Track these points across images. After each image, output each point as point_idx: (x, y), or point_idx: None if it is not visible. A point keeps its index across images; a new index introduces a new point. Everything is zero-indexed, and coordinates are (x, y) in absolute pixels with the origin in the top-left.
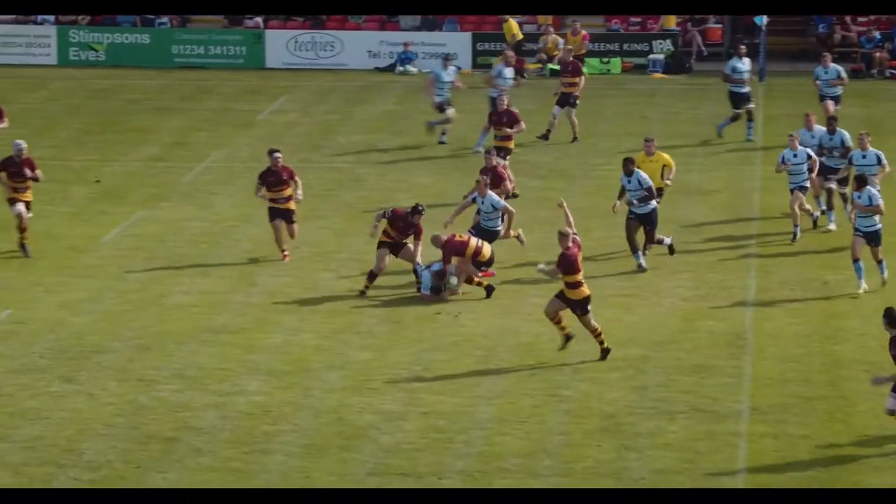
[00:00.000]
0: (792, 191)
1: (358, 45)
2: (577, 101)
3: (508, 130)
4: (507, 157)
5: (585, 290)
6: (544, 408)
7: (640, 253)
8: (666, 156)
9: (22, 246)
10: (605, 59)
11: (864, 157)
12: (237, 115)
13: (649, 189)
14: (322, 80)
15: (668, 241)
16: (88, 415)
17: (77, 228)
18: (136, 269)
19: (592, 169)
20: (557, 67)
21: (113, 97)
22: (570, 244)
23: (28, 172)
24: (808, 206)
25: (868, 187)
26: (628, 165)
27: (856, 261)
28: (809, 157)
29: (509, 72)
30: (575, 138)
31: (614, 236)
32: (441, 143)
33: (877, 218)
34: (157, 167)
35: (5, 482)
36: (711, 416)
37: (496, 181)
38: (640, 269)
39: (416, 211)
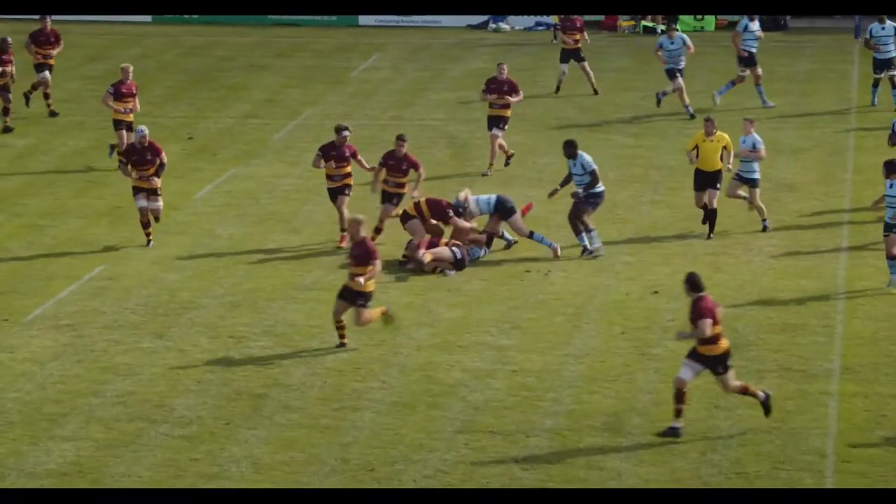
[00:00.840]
0: None
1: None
2: (584, 55)
3: (510, 99)
4: (504, 127)
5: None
6: (633, 366)
7: (583, 235)
8: (726, 136)
9: (147, 240)
10: (699, 17)
11: None
12: (330, 73)
13: (593, 173)
14: (414, 37)
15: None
16: (179, 371)
17: (170, 185)
18: (228, 225)
19: (685, 127)
20: (651, 24)
21: (206, 54)
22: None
23: (151, 158)
24: None
25: None
26: (569, 148)
27: None
28: None
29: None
30: (595, 91)
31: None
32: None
33: None
34: (249, 124)
35: (97, 437)
36: (801, 375)
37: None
38: (586, 252)
39: (398, 138)
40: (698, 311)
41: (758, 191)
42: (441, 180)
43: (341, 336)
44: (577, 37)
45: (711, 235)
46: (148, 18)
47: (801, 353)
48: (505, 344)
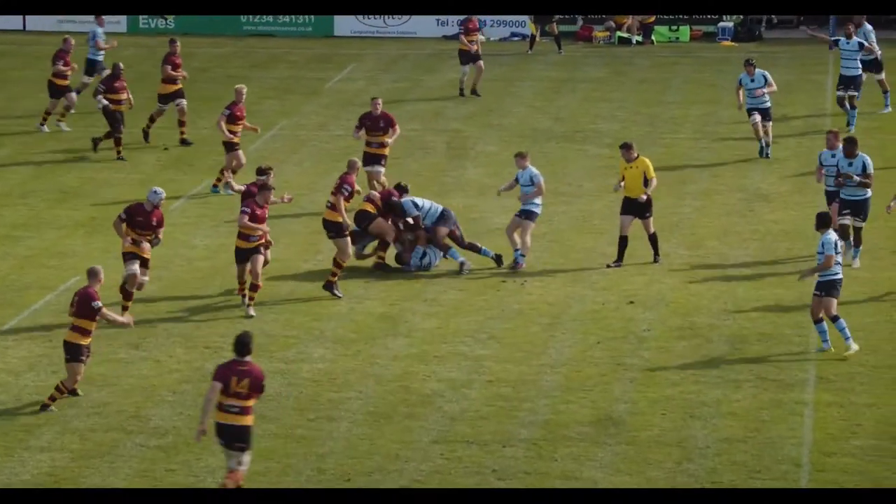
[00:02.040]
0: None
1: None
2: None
3: (386, 139)
4: (384, 163)
5: None
6: (609, 376)
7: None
8: (647, 161)
9: (124, 309)
10: (674, 27)
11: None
12: (305, 84)
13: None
14: (390, 48)
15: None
16: (155, 381)
17: (145, 196)
18: (203, 236)
19: (660, 137)
20: (626, 35)
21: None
22: None
23: (155, 226)
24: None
25: None
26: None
27: None
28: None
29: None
30: (474, 92)
31: (682, 207)
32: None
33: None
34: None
35: (73, 447)
36: (777, 384)
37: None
38: (499, 261)
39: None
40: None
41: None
42: (416, 191)
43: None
44: (474, 38)
45: (658, 258)
46: (123, 28)
47: (777, 363)
48: (481, 354)
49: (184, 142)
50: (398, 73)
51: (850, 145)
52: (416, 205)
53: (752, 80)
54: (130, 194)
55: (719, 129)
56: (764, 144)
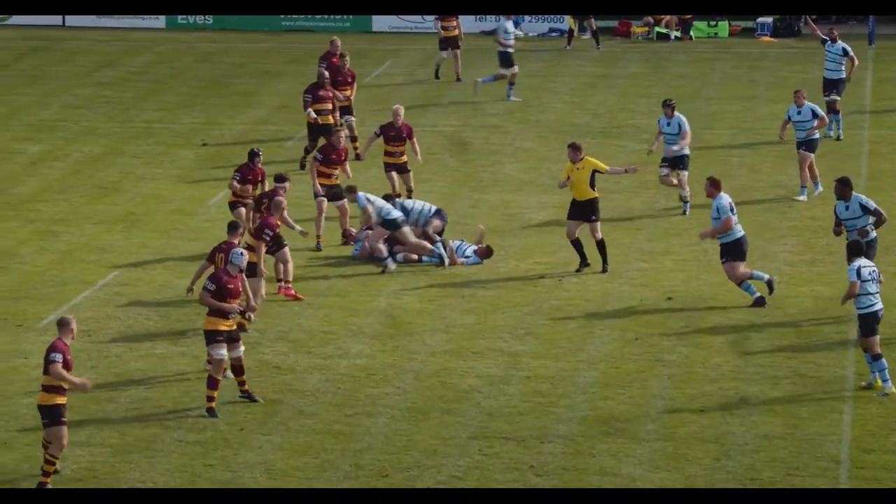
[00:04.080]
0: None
1: None
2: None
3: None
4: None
5: None
6: (647, 373)
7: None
8: (593, 160)
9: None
10: (713, 23)
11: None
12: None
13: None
14: (428, 43)
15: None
16: (193, 377)
17: (183, 191)
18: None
19: (698, 133)
20: (664, 30)
21: (219, 60)
22: None
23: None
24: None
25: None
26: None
27: None
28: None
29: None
30: (458, 79)
31: None
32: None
33: None
34: (263, 130)
35: (112, 443)
36: (815, 381)
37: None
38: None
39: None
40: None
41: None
42: (454, 186)
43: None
44: (455, 23)
45: (606, 267)
46: (161, 24)
47: (815, 359)
48: (518, 350)
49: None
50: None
51: (843, 187)
52: (404, 208)
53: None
54: (168, 190)
55: (757, 125)
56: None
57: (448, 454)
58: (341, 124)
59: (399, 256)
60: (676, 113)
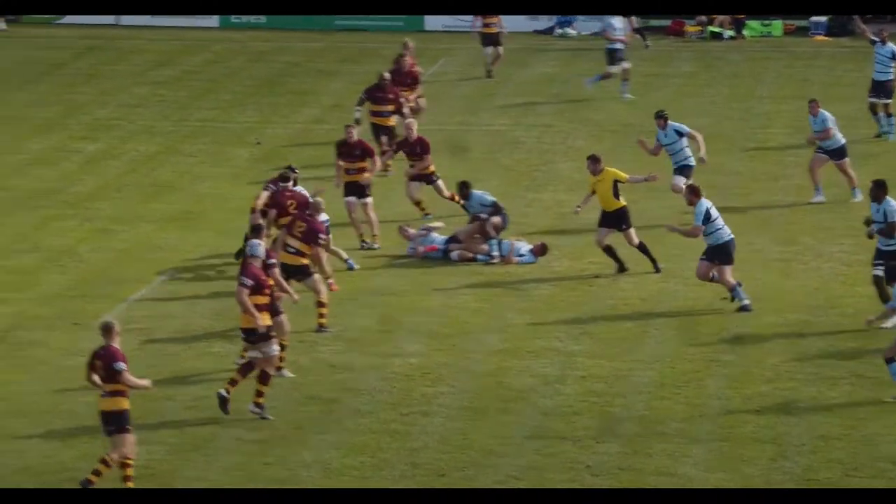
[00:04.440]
0: None
1: None
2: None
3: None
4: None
5: None
6: (703, 372)
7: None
8: (613, 170)
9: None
10: (767, 22)
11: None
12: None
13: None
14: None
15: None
16: (251, 375)
17: (239, 190)
18: None
19: (752, 132)
20: (718, 29)
21: (273, 60)
22: None
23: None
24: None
25: None
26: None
27: None
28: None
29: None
30: (489, 76)
31: (776, 203)
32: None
33: None
34: (317, 129)
35: (170, 441)
36: (873, 381)
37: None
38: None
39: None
40: None
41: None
42: (508, 185)
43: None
44: (496, 20)
45: (658, 267)
46: (215, 24)
47: (873, 359)
48: (574, 349)
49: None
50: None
51: (877, 189)
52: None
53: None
54: (223, 188)
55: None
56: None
57: (504, 454)
58: (357, 121)
59: (455, 255)
60: (670, 123)
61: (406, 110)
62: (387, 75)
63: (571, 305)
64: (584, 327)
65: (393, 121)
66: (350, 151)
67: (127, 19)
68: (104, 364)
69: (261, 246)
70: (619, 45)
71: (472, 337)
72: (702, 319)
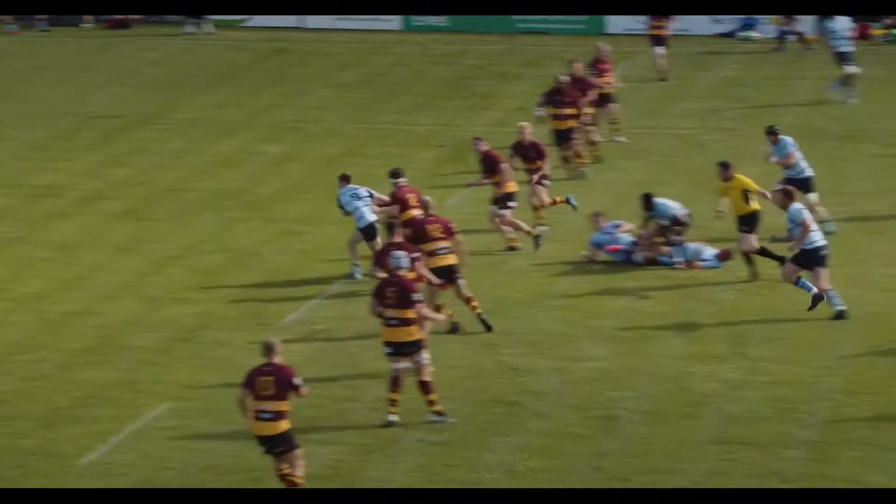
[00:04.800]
0: None
1: None
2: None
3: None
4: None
5: None
6: (891, 379)
7: None
8: (743, 179)
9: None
10: None
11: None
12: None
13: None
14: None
15: None
16: (434, 377)
17: (422, 192)
18: (478, 232)
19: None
20: None
21: (456, 62)
22: None
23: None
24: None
25: None
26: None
27: None
28: None
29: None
30: (662, 78)
31: None
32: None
33: None
34: (499, 132)
35: (353, 441)
36: None
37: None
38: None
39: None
40: None
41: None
42: (692, 189)
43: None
44: (664, 21)
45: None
46: (397, 26)
47: None
48: (760, 355)
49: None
50: (670, 71)
51: None
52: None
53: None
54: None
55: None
56: None
57: (689, 459)
58: (538, 120)
59: (638, 256)
60: (781, 137)
61: (585, 117)
62: (565, 78)
63: (757, 310)
64: (770, 332)
65: (569, 124)
66: (526, 153)
67: (312, 22)
68: (277, 381)
69: (405, 257)
70: (847, 47)
71: (655, 341)
72: (891, 326)
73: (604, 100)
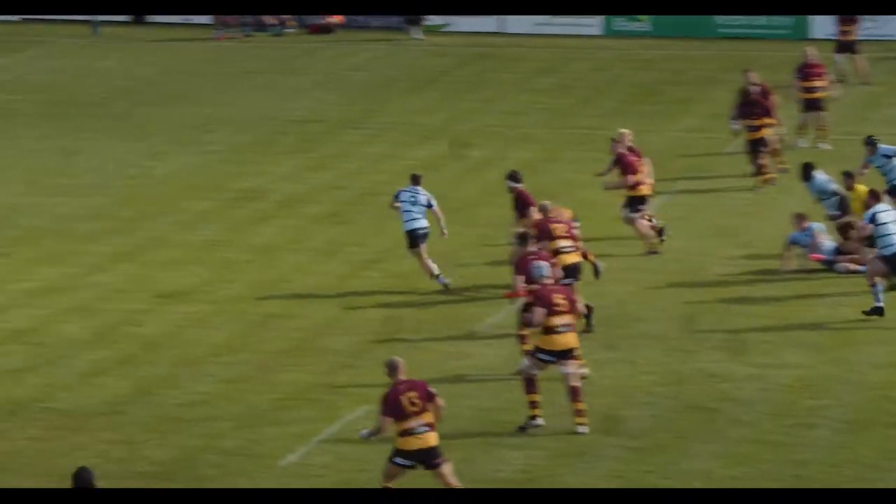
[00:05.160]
0: None
1: None
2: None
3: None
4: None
5: None
6: None
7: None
8: (862, 188)
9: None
10: None
11: None
12: (779, 89)
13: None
14: (868, 50)
15: None
16: (630, 383)
17: (619, 199)
18: (676, 239)
19: None
20: None
21: (655, 67)
22: None
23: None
24: None
25: None
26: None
27: None
28: None
29: None
30: (864, 83)
31: None
32: None
33: None
34: (695, 139)
35: (548, 446)
36: None
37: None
38: None
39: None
40: None
41: None
42: None
43: None
44: (851, 27)
45: None
46: (598, 31)
47: None
48: None
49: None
50: (875, 76)
51: None
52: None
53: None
54: (603, 196)
55: None
56: None
57: (891, 468)
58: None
59: (840, 266)
60: (881, 146)
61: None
62: (755, 88)
63: None
64: None
65: (761, 134)
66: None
67: (513, 27)
68: (419, 395)
69: (546, 266)
70: None
71: (857, 349)
72: None
73: (811, 105)
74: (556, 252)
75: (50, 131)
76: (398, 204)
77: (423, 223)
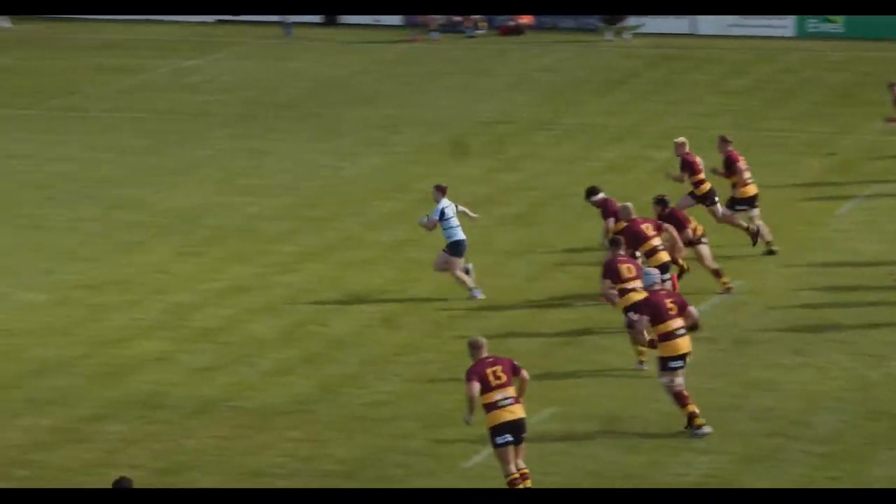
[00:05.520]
0: None
1: None
2: None
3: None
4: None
5: None
6: None
7: None
8: None
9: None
10: None
11: None
12: None
13: None
14: None
15: None
16: (817, 388)
17: (809, 201)
18: (870, 242)
19: None
20: None
21: (849, 69)
22: None
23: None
24: None
25: None
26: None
27: None
28: None
29: None
30: None
31: None
32: None
33: None
34: (891, 141)
35: (735, 450)
36: None
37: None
38: None
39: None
40: None
41: None
42: None
43: None
44: None
45: None
46: (790, 33)
47: None
48: None
49: None
50: None
51: None
52: None
53: None
54: (794, 198)
55: None
56: None
57: None
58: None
59: None
60: None
61: None
62: None
63: None
64: None
65: None
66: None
67: (704, 28)
68: (504, 369)
69: (651, 275)
70: None
71: None
72: None
73: None
74: (650, 253)
75: (241, 132)
76: (450, 217)
77: (463, 234)
